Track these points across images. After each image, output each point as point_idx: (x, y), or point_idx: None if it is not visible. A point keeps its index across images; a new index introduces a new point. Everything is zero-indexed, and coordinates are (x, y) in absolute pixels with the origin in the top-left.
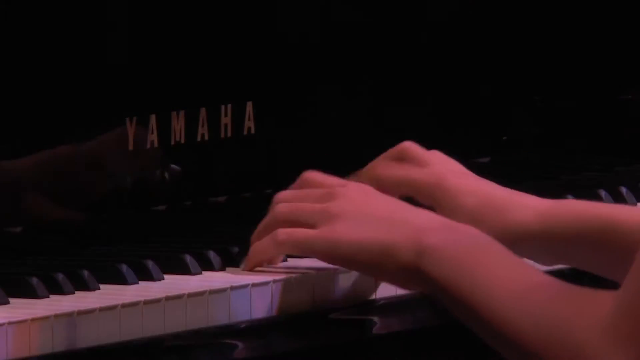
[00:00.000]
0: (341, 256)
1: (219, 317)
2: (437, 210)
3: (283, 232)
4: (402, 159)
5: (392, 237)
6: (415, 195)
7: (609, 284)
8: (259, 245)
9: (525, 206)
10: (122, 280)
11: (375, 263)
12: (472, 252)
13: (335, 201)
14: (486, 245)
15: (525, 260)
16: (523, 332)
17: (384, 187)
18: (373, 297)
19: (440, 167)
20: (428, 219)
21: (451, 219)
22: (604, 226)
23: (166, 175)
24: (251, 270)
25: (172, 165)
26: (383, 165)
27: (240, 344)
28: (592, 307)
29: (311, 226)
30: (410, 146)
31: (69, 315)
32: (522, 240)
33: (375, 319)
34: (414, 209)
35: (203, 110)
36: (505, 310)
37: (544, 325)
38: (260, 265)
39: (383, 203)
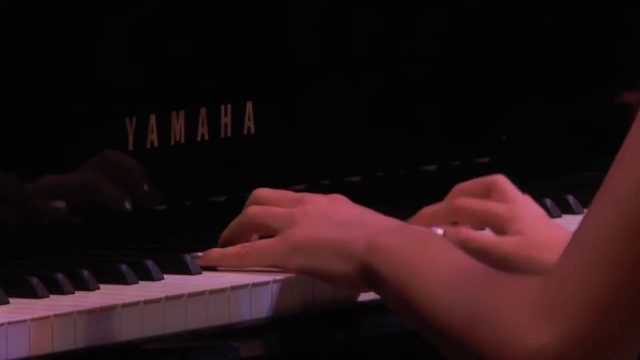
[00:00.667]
0: (297, 261)
1: (219, 317)
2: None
3: (244, 246)
4: (489, 190)
5: (345, 237)
6: (489, 226)
7: None
8: (223, 253)
9: None
10: (122, 280)
11: (329, 264)
12: (415, 248)
13: (302, 206)
14: (432, 241)
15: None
16: (450, 317)
17: (460, 217)
18: (373, 297)
19: (519, 204)
20: (386, 222)
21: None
22: None
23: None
24: (203, 265)
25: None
26: (465, 197)
27: (240, 344)
28: (518, 288)
29: (276, 231)
30: (500, 179)
31: (69, 315)
32: None
33: (375, 319)
34: (377, 214)
35: (203, 110)
36: (434, 297)
37: (470, 308)
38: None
39: (348, 209)
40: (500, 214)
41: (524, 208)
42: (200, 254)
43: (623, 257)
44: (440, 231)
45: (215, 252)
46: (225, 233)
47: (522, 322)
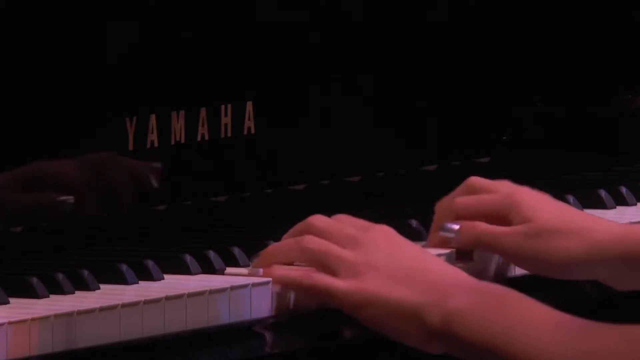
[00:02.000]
0: (367, 315)
1: (219, 317)
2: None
3: (312, 276)
4: (472, 192)
5: (418, 300)
6: (490, 220)
7: None
8: (287, 273)
9: (607, 228)
10: (122, 280)
11: (401, 326)
12: (495, 310)
13: (362, 250)
14: (511, 300)
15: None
16: None
17: (460, 217)
18: None
19: (512, 190)
20: (454, 280)
21: (529, 237)
22: None
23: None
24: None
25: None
26: (456, 199)
27: (240, 344)
28: (628, 345)
29: (333, 272)
30: (476, 180)
31: (69, 315)
32: (602, 262)
33: None
34: (441, 265)
35: (203, 110)
36: (534, 349)
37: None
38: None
39: (409, 256)
40: (500, 204)
41: (519, 194)
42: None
43: None
44: (456, 226)
45: (283, 271)
46: (270, 254)
47: None
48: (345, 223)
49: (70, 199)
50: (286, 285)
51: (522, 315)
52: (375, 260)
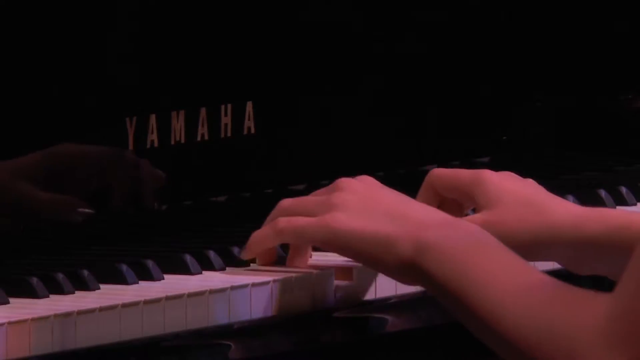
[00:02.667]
0: (339, 245)
1: (219, 317)
2: (477, 209)
3: (283, 220)
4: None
5: (391, 230)
6: (459, 197)
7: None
8: (259, 233)
9: (564, 210)
10: (122, 280)
11: (373, 255)
12: (470, 250)
13: (338, 192)
14: (485, 243)
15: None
16: (517, 332)
17: (435, 188)
18: (372, 297)
19: (487, 171)
20: (428, 214)
21: (489, 216)
22: (627, 235)
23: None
24: (250, 258)
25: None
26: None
27: (240, 344)
28: (588, 308)
29: (312, 216)
30: (435, 171)
31: (69, 315)
32: (556, 244)
33: (375, 318)
34: (416, 203)
35: (203, 110)
36: (501, 308)
37: (539, 325)
38: (260, 254)
39: (386, 196)
40: (468, 179)
41: (485, 171)
42: (242, 252)
43: None
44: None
45: (253, 237)
46: (252, 244)
47: (596, 346)
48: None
49: (69, 198)
50: (263, 240)
51: (497, 266)
52: (350, 199)
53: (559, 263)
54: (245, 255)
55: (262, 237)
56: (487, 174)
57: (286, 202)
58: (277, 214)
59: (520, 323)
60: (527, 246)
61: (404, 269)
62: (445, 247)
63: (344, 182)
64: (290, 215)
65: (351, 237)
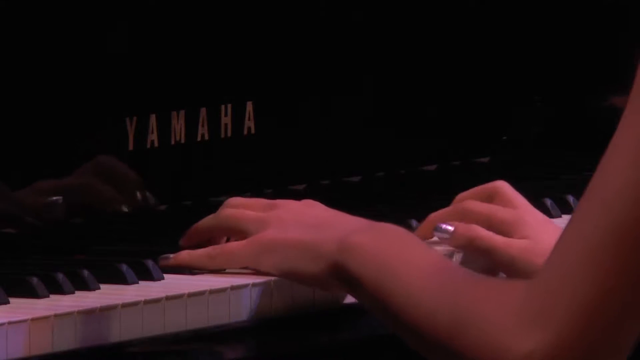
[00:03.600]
0: (267, 262)
1: (219, 317)
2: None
3: (215, 248)
4: (492, 196)
5: (317, 237)
6: (494, 231)
7: None
8: (193, 255)
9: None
10: (122, 280)
11: (296, 262)
12: (391, 247)
13: (275, 210)
14: (407, 240)
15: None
16: (434, 321)
17: (467, 219)
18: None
19: (526, 212)
20: (356, 223)
21: (526, 250)
22: None
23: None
24: (166, 266)
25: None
26: (468, 201)
27: (240, 344)
28: (503, 292)
29: (248, 235)
30: (502, 185)
31: (69, 315)
32: None
33: (357, 320)
34: (350, 217)
35: (203, 110)
36: (416, 298)
37: (454, 313)
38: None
39: (320, 212)
40: (507, 219)
41: (528, 214)
42: (170, 255)
43: (611, 260)
44: (451, 228)
45: (184, 254)
46: (193, 232)
47: (509, 327)
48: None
49: (69, 198)
50: (195, 262)
51: (411, 256)
52: (283, 214)
53: None
54: (167, 264)
55: (195, 260)
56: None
57: (227, 212)
58: (214, 222)
59: (435, 312)
60: None
61: (327, 273)
62: (367, 246)
63: (282, 201)
64: (227, 228)
65: (275, 250)
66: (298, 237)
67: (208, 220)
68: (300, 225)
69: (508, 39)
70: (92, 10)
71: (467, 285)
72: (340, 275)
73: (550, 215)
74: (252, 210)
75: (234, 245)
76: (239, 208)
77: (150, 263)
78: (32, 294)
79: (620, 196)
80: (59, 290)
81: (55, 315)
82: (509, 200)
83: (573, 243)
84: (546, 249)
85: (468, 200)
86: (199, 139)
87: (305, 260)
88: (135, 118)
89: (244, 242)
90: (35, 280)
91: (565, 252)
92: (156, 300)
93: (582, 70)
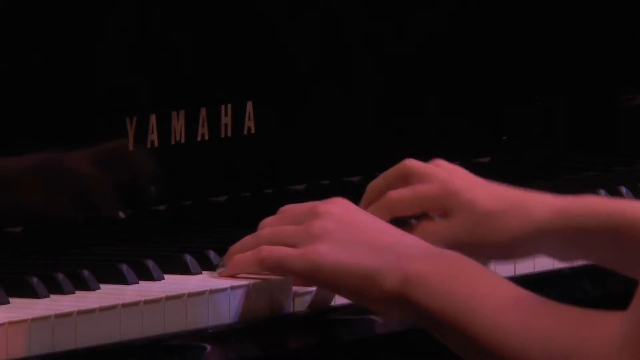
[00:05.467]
0: (322, 279)
1: (219, 316)
2: (453, 219)
3: (266, 249)
4: (406, 177)
5: (375, 263)
6: (429, 211)
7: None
8: (242, 258)
9: (543, 203)
10: (122, 280)
11: (358, 288)
12: (456, 277)
13: (317, 220)
14: (468, 268)
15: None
16: (523, 352)
17: (397, 211)
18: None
19: (447, 177)
20: (411, 246)
21: (469, 225)
22: (618, 222)
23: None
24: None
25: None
26: (390, 191)
27: (240, 344)
28: (599, 325)
29: (293, 246)
30: (411, 164)
31: (69, 315)
32: (542, 238)
33: (376, 318)
34: (398, 232)
35: (203, 110)
36: (491, 326)
37: (547, 347)
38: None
39: (366, 224)
40: (436, 195)
41: (453, 179)
42: (222, 265)
43: None
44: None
45: (236, 260)
46: (236, 248)
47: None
48: (293, 209)
49: (70, 198)
50: (244, 266)
51: (482, 287)
52: (329, 226)
53: (546, 255)
54: (223, 274)
55: (243, 263)
56: (453, 183)
57: (266, 232)
58: (257, 240)
59: (526, 346)
60: (509, 246)
61: (391, 302)
62: (432, 278)
63: (321, 207)
64: (270, 243)
65: (334, 272)
66: (356, 260)
67: (248, 241)
68: (353, 242)
69: (508, 39)
70: (92, 10)
71: (555, 319)
72: (405, 305)
73: None
74: (289, 223)
75: (285, 251)
76: (273, 226)
77: (150, 263)
78: (32, 294)
79: None
80: (59, 290)
81: (55, 315)
82: (425, 174)
83: None
84: (488, 211)
85: (389, 192)
86: (199, 139)
87: (366, 287)
88: (135, 118)
89: (297, 252)
90: (35, 280)
91: None
92: (156, 300)
93: (582, 69)
